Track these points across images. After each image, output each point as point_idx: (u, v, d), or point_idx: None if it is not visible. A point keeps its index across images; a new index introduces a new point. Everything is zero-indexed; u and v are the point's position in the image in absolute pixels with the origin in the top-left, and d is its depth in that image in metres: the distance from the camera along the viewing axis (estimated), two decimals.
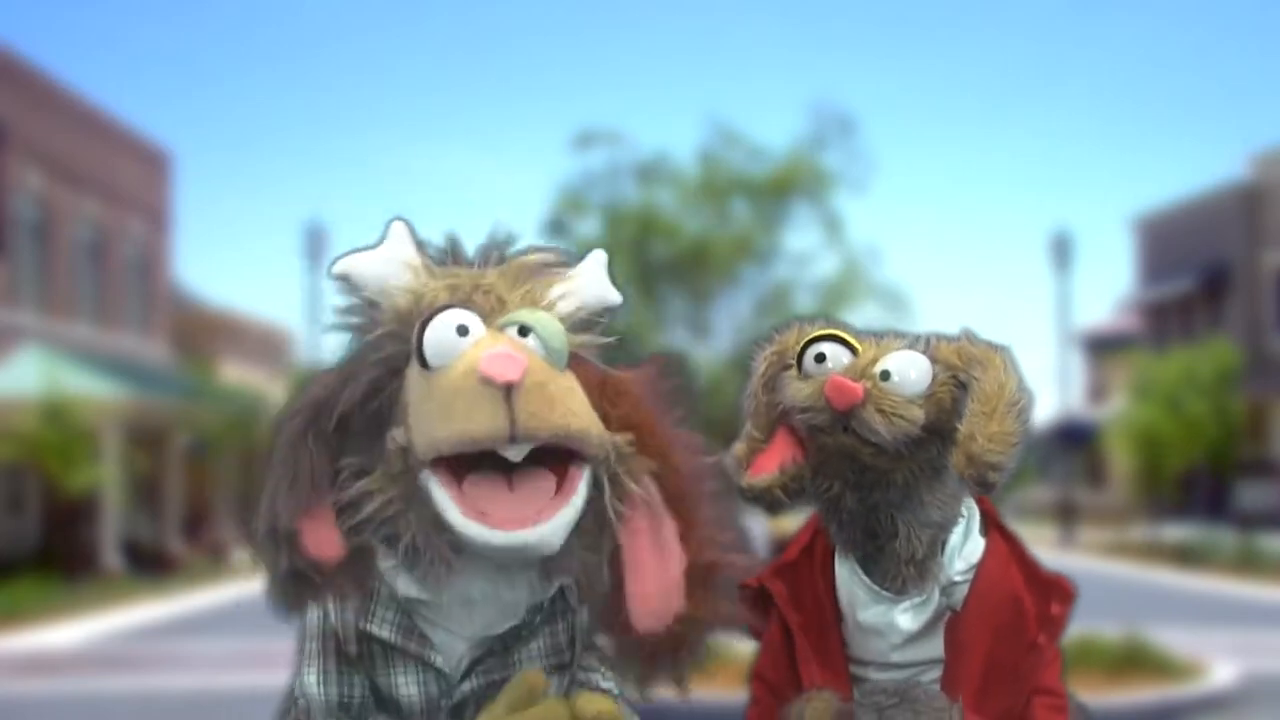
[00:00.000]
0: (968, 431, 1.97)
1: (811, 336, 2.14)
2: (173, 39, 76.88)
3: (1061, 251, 31.93)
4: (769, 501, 2.13)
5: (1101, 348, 41.79)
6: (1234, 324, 32.87)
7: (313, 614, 1.99)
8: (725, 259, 15.98)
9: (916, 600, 2.12)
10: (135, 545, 22.67)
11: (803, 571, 2.21)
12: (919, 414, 2.03)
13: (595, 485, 1.86)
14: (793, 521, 2.31)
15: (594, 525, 1.89)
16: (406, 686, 1.96)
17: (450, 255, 1.98)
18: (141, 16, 77.66)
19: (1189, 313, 35.58)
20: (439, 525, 1.81)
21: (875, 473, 2.08)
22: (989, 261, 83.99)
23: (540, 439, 1.76)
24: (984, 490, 2.01)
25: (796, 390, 2.09)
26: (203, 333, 32.08)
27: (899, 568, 2.11)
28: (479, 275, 1.93)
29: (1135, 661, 10.32)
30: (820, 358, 2.10)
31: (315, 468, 1.85)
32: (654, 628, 1.88)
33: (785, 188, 16.15)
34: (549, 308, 1.91)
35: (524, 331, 1.84)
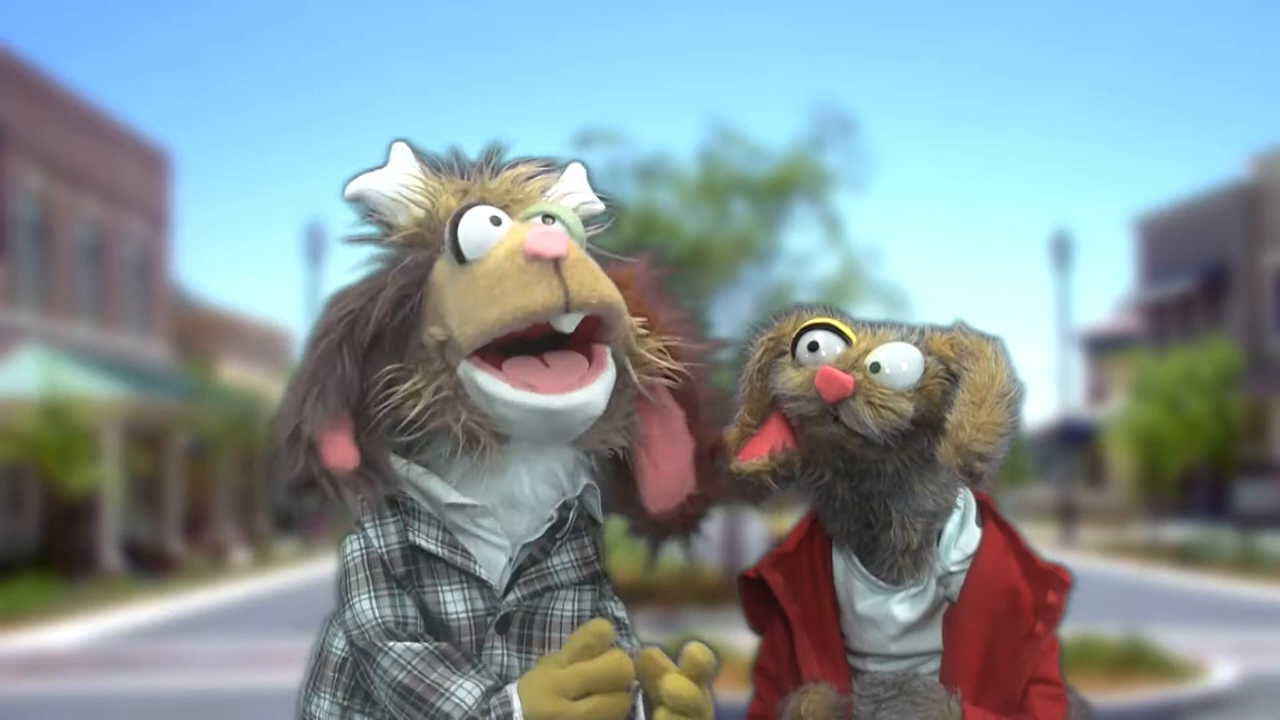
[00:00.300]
0: (956, 421, 1.96)
1: (806, 325, 2.14)
2: (173, 39, 76.96)
3: (1061, 251, 31.93)
4: (757, 486, 2.12)
5: (1101, 348, 41.79)
6: (1234, 324, 32.87)
7: (353, 548, 2.00)
8: (725, 259, 15.94)
9: (913, 590, 2.12)
10: (135, 545, 22.68)
11: (801, 562, 2.21)
12: (907, 407, 2.02)
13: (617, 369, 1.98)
14: (791, 521, 2.30)
15: (619, 409, 2.00)
16: (454, 604, 1.96)
17: (452, 165, 2.09)
18: (141, 16, 77.72)
19: (1189, 313, 35.58)
20: (485, 411, 1.91)
21: (865, 463, 2.07)
22: (989, 261, 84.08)
23: (591, 307, 1.87)
24: (971, 481, 1.99)
25: (788, 379, 2.09)
26: (203, 333, 32.08)
27: (894, 557, 2.11)
28: (484, 182, 2.05)
29: (1135, 661, 10.32)
30: (813, 346, 2.10)
31: (346, 379, 1.94)
32: (667, 508, 2.05)
33: (785, 188, 16.12)
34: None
35: (547, 219, 1.96)
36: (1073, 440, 34.72)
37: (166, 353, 28.92)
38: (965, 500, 2.18)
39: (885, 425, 2.01)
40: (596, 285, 1.87)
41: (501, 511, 1.99)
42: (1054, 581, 2.14)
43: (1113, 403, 34.94)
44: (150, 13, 79.65)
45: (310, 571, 21.50)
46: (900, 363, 2.05)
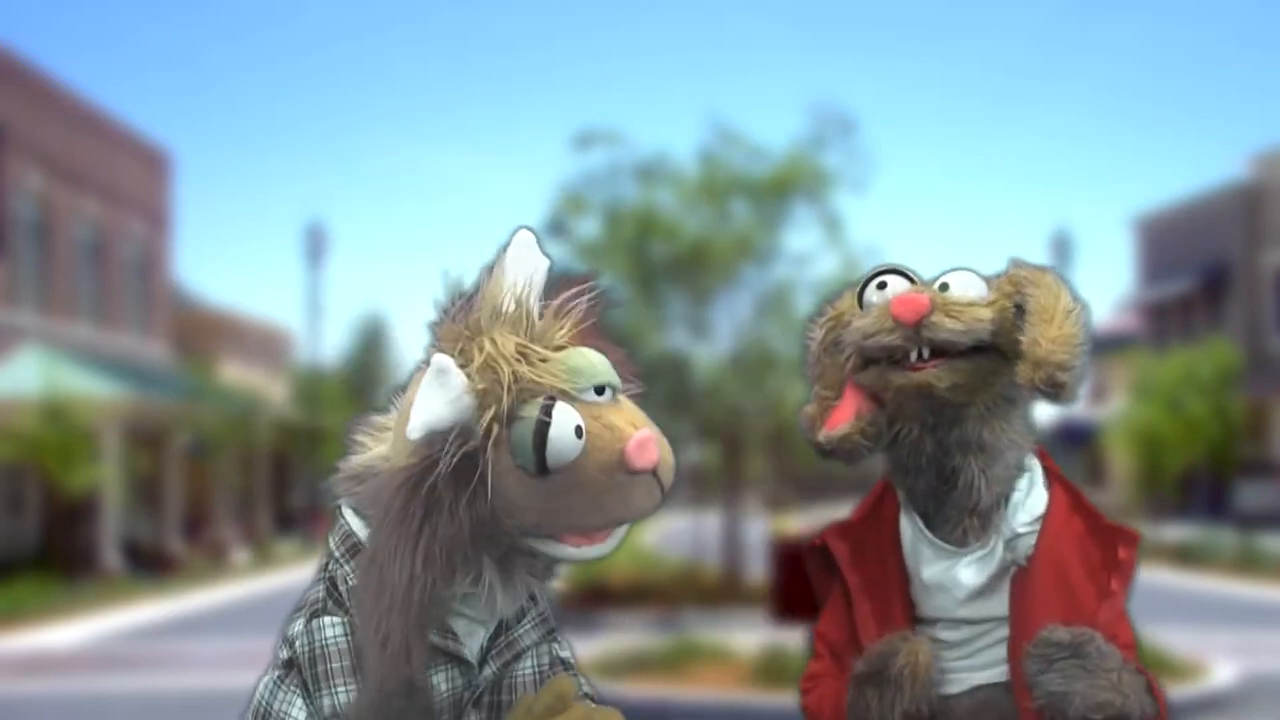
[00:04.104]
0: (1031, 339, 2.01)
1: (871, 274, 2.21)
2: (173, 39, 76.90)
3: (1061, 251, 31.91)
4: (849, 449, 2.17)
5: (1101, 348, 41.41)
6: (1234, 324, 32.86)
7: (335, 632, 1.96)
8: (725, 259, 15.93)
9: (980, 553, 2.15)
10: (135, 545, 22.68)
11: (868, 531, 2.25)
12: (987, 313, 2.09)
13: None
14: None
15: None
16: (439, 684, 1.97)
17: (453, 312, 1.96)
18: (141, 16, 77.69)
19: (1189, 313, 35.57)
20: (533, 558, 1.94)
21: (951, 409, 2.11)
22: (989, 262, 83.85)
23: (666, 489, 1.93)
24: (1055, 395, 2.01)
25: (862, 320, 2.13)
26: (203, 333, 32.07)
27: (963, 518, 2.14)
28: (494, 340, 1.89)
29: None
30: (882, 286, 2.17)
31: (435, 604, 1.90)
32: None
33: (785, 188, 16.09)
34: (561, 333, 1.93)
35: (599, 391, 1.90)
36: (1073, 440, 34.71)
37: (166, 353, 28.91)
38: (1032, 464, 2.22)
39: (968, 333, 2.07)
40: (671, 461, 1.94)
41: (501, 594, 1.98)
42: (1123, 538, 2.17)
43: (1113, 403, 34.92)
44: (150, 13, 79.62)
45: (310, 571, 21.44)
46: (967, 287, 2.14)
